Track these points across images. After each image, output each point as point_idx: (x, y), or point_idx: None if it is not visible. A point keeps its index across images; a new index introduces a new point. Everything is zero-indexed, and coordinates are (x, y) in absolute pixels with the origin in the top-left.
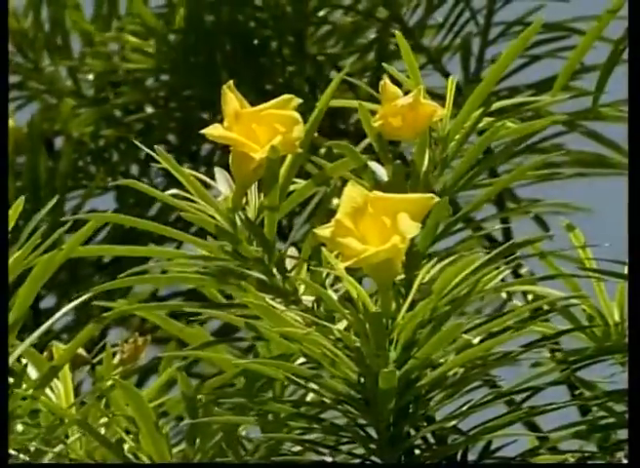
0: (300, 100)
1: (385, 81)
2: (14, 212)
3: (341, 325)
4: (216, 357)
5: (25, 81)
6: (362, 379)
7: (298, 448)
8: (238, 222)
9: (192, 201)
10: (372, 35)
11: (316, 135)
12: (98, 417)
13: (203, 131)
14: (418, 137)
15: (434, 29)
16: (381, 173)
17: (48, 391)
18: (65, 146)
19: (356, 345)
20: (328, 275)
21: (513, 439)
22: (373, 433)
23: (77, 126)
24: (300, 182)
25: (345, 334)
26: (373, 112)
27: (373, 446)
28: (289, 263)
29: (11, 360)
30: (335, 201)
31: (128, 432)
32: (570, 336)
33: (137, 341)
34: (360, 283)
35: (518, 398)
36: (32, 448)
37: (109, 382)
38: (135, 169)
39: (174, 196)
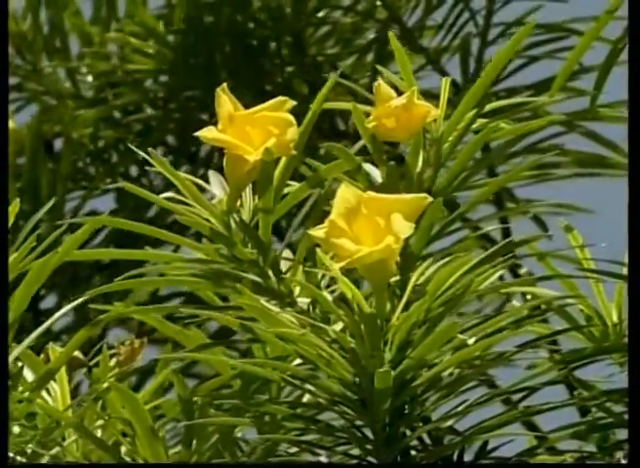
0: (294, 103)
1: (379, 82)
2: (10, 213)
3: (337, 326)
4: (212, 359)
5: (24, 82)
6: (357, 380)
7: (294, 450)
8: (233, 225)
9: (188, 204)
10: (371, 36)
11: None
12: (94, 420)
13: (197, 133)
14: (412, 138)
15: (433, 30)
16: (376, 174)
17: (44, 393)
18: (65, 148)
19: (351, 346)
20: (323, 277)
21: (509, 439)
22: (369, 434)
23: (76, 127)
24: (295, 185)
25: (341, 335)
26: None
27: (369, 446)
28: (284, 265)
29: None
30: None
31: (124, 435)
32: (569, 338)
33: (133, 344)
34: (357, 285)
35: (516, 399)
36: (29, 451)
37: (105, 385)
38: (134, 170)
39: (170, 199)
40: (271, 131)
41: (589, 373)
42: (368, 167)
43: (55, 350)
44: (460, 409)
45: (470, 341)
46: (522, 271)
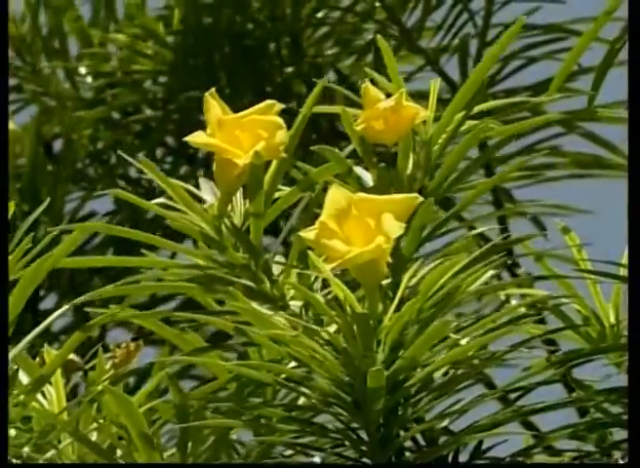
0: (282, 106)
1: (367, 84)
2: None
3: (331, 329)
4: (207, 362)
5: (23, 84)
6: (350, 381)
7: (289, 452)
8: (224, 229)
9: (178, 209)
10: (370, 37)
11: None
12: (89, 423)
13: (186, 138)
14: (401, 140)
15: (432, 31)
16: (367, 177)
17: (40, 396)
18: (64, 149)
19: (344, 347)
20: (316, 279)
21: (504, 439)
22: (364, 435)
23: (76, 128)
24: (285, 189)
25: (333, 336)
26: None
27: (363, 448)
28: (276, 269)
29: None
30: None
31: (120, 438)
32: (567, 339)
33: (129, 346)
34: (351, 287)
35: (512, 399)
36: (25, 454)
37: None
38: (133, 171)
39: (163, 204)
40: (260, 134)
41: (586, 374)
42: (359, 170)
43: (50, 353)
44: (454, 408)
45: (463, 341)
46: (520, 272)
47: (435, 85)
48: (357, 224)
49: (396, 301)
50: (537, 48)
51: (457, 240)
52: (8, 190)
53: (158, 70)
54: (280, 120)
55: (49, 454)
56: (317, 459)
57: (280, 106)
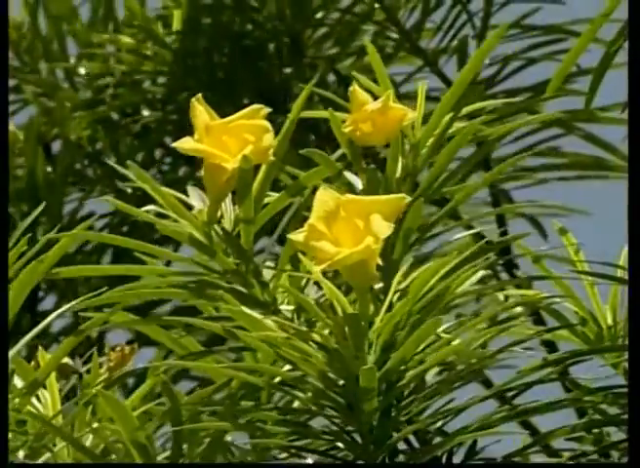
0: (269, 110)
1: (354, 87)
2: None
3: (325, 332)
4: (202, 366)
5: (22, 84)
6: (342, 382)
7: (284, 455)
8: (214, 235)
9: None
10: (369, 38)
11: None
12: (84, 425)
13: (174, 144)
14: (389, 142)
15: (431, 32)
16: (356, 180)
17: (34, 399)
18: (63, 150)
19: (335, 348)
20: (308, 282)
21: (497, 439)
22: (357, 438)
23: (74, 129)
24: (274, 195)
25: (325, 337)
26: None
27: (357, 449)
28: (267, 274)
29: None
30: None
31: (116, 441)
32: (565, 341)
33: (124, 350)
34: (344, 290)
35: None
36: (21, 457)
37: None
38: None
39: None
40: (248, 138)
41: (584, 376)
42: (348, 173)
43: (44, 356)
44: (446, 407)
45: (455, 342)
46: (518, 272)
47: (423, 87)
48: (346, 226)
49: (387, 303)
50: (536, 49)
51: (442, 245)
52: (8, 190)
53: (157, 71)
54: (267, 124)
55: (44, 457)
56: (310, 461)
57: (267, 110)
